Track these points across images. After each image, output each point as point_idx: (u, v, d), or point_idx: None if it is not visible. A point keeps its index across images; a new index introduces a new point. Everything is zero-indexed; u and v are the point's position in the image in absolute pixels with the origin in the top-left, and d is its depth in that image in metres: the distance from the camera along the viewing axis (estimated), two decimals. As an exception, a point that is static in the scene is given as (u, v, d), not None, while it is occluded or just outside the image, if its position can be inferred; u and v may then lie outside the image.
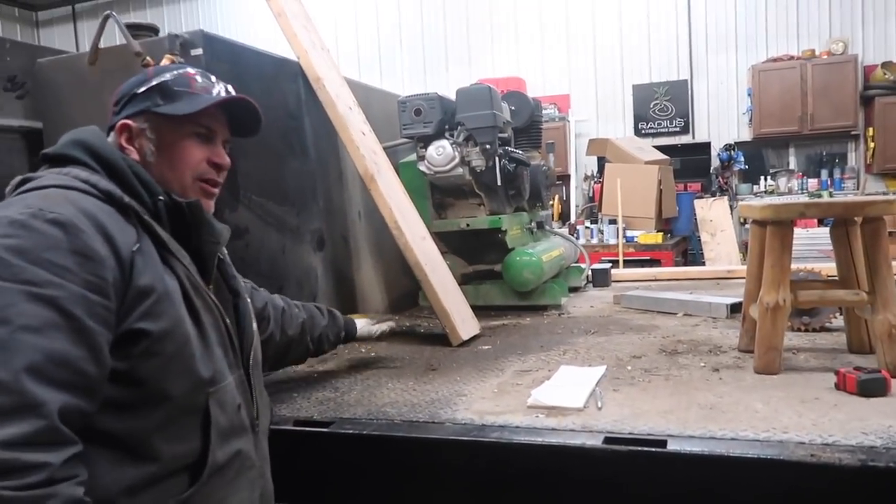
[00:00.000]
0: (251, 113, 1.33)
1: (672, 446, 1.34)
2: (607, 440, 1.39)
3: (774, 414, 1.48)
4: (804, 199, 7.69)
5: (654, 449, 1.35)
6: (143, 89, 1.22)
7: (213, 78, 1.30)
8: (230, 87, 1.30)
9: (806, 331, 2.21)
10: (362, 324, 2.05)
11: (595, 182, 8.65)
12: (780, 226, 1.79)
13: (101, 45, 1.97)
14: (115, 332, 1.01)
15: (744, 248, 7.49)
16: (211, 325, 1.18)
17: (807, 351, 2.00)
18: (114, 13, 1.95)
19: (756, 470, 1.28)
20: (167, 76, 1.24)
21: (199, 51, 1.90)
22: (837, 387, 1.61)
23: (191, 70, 1.28)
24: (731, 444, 1.34)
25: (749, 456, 1.29)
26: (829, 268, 2.55)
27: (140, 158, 1.21)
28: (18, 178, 1.12)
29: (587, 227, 7.44)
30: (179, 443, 1.10)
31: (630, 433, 1.42)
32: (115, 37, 2.01)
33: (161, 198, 1.16)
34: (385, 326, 2.10)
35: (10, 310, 0.90)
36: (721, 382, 1.75)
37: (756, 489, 1.30)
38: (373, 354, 2.29)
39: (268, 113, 2.23)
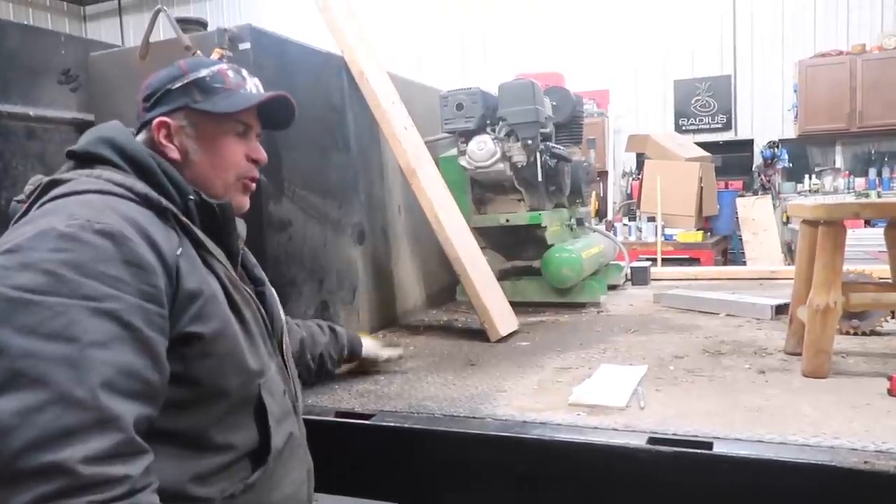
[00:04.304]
0: (285, 107, 1.33)
1: (718, 448, 1.32)
2: (651, 440, 1.37)
3: (824, 419, 1.45)
4: (851, 198, 7.48)
5: (699, 451, 1.33)
6: (177, 85, 1.21)
7: (245, 72, 1.30)
8: (258, 82, 1.31)
9: (855, 334, 2.15)
10: (370, 344, 2.00)
11: (633, 179, 8.54)
12: (832, 226, 1.74)
13: (151, 39, 2.01)
14: (169, 337, 1.02)
15: (786, 248, 7.32)
16: (251, 318, 1.19)
17: (857, 355, 1.95)
18: (164, 7, 1.99)
19: (806, 476, 1.25)
20: (203, 72, 1.22)
21: (247, 45, 1.92)
22: (890, 392, 1.57)
23: (224, 66, 1.27)
24: (779, 448, 1.31)
25: (799, 461, 1.26)
26: (879, 270, 2.48)
27: (181, 157, 1.20)
28: (46, 180, 1.10)
29: (625, 225, 7.36)
30: (237, 433, 1.14)
31: (674, 434, 1.40)
32: (161, 31, 2.04)
33: (192, 197, 1.16)
34: (395, 352, 2.04)
35: (76, 327, 0.90)
36: (767, 385, 1.71)
37: (804, 495, 1.27)
38: (412, 348, 2.30)
39: (313, 107, 2.30)
